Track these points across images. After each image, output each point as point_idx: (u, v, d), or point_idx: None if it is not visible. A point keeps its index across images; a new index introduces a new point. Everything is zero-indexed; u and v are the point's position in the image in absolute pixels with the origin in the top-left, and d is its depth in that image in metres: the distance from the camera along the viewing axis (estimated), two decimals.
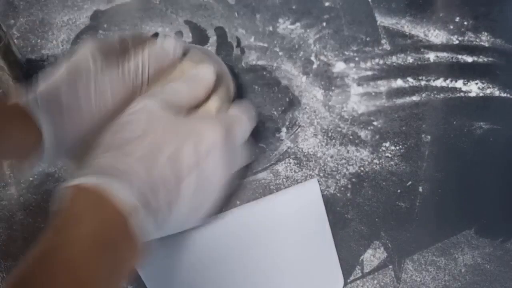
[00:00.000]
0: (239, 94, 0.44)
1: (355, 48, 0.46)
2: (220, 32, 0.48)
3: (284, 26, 0.48)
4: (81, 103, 0.32)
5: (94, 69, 0.32)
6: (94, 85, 0.32)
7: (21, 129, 0.30)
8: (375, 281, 0.36)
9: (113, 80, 0.33)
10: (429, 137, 0.42)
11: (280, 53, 0.46)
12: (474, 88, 0.44)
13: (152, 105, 0.31)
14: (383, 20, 0.48)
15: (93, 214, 0.26)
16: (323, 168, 0.41)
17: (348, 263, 0.37)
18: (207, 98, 0.35)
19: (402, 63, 0.46)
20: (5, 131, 0.30)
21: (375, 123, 0.43)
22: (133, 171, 0.28)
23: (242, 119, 0.33)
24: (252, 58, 0.46)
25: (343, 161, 0.41)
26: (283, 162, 0.42)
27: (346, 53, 0.46)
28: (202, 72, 0.34)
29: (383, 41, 0.47)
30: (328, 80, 0.45)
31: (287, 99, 0.45)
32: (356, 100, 0.44)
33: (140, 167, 0.28)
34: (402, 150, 0.41)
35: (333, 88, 0.45)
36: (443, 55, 0.46)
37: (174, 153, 0.29)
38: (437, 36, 0.47)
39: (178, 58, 0.36)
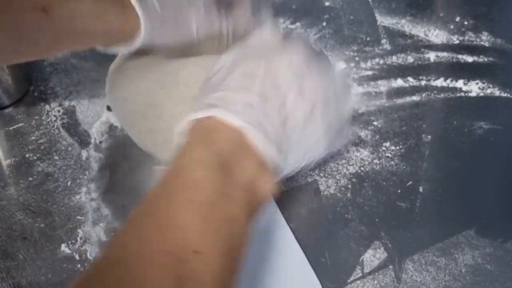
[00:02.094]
0: None
1: (355, 48, 0.46)
2: None
3: (285, 25, 0.48)
4: (175, 18, 0.34)
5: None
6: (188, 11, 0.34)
7: (120, 17, 0.32)
8: (375, 281, 0.36)
9: (203, 20, 0.35)
10: (429, 137, 0.42)
11: None
12: (474, 88, 0.44)
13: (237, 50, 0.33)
14: (383, 20, 0.48)
15: (209, 137, 0.27)
16: (323, 168, 0.41)
17: (348, 263, 0.37)
18: None
19: (402, 63, 0.46)
20: (106, 15, 0.31)
21: (375, 123, 0.43)
22: (232, 101, 0.28)
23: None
24: None
25: (343, 161, 0.41)
26: None
27: (346, 52, 0.46)
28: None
29: (383, 41, 0.47)
30: None
31: None
32: (356, 100, 0.44)
33: (241, 96, 0.29)
34: (402, 150, 0.41)
35: None
36: (444, 55, 0.46)
37: (268, 74, 0.29)
38: (437, 36, 0.47)
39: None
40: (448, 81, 0.45)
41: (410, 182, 0.40)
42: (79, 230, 0.39)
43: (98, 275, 0.22)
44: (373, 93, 0.44)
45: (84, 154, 0.43)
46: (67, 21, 0.30)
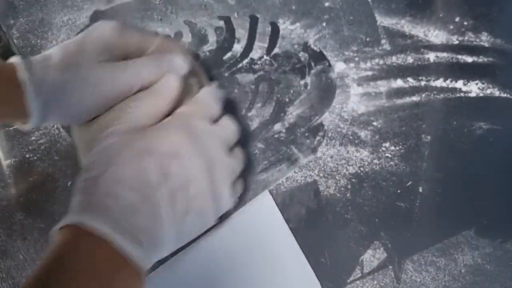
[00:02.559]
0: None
1: (355, 48, 0.46)
2: (220, 32, 0.48)
3: (284, 26, 0.48)
4: (72, 92, 0.31)
5: (94, 60, 0.32)
6: (87, 78, 0.32)
7: (8, 93, 0.30)
8: (375, 282, 0.36)
9: (107, 80, 0.32)
10: (429, 137, 0.42)
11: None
12: (474, 88, 0.44)
13: (113, 139, 0.31)
14: (383, 20, 0.48)
15: (77, 250, 0.26)
16: (323, 168, 0.41)
17: (348, 263, 0.37)
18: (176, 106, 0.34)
19: (402, 63, 0.46)
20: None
21: (375, 123, 0.43)
22: (102, 205, 0.28)
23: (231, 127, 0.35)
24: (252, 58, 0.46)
25: (343, 161, 0.41)
26: (283, 162, 0.42)
27: (346, 53, 0.46)
28: (165, 84, 0.34)
29: (383, 41, 0.47)
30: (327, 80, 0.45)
31: (287, 99, 0.44)
32: (356, 100, 0.44)
33: (107, 200, 0.28)
34: (402, 150, 0.41)
35: None
36: (443, 55, 0.46)
37: (134, 176, 0.29)
38: (437, 36, 0.47)
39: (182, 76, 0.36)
40: (448, 81, 0.45)
41: (410, 182, 0.40)
42: None
43: None
44: (373, 94, 0.44)
45: None
46: None
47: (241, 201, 0.39)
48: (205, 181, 0.31)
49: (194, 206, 0.30)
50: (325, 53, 0.46)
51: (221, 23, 0.48)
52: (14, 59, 0.31)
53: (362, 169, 0.41)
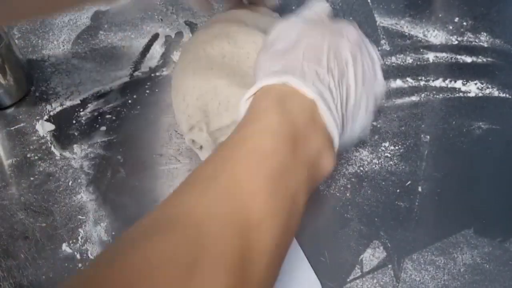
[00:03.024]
0: None
1: None
2: None
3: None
4: None
5: None
6: None
7: None
8: (375, 281, 0.37)
9: None
10: (428, 137, 0.42)
11: None
12: (473, 88, 0.44)
13: (295, 20, 0.33)
14: (383, 21, 0.48)
15: (283, 105, 0.26)
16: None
17: (348, 262, 0.37)
18: None
19: (402, 63, 0.46)
20: None
21: (374, 123, 0.43)
22: (303, 71, 0.28)
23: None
24: None
25: (343, 160, 0.41)
26: None
27: None
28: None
29: (382, 42, 0.47)
30: None
31: None
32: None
33: (313, 67, 0.29)
34: (401, 150, 0.42)
35: None
36: (442, 55, 0.46)
37: (332, 49, 0.30)
38: (436, 36, 0.47)
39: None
40: (447, 81, 0.45)
41: (409, 182, 0.40)
42: (80, 230, 0.39)
43: (154, 233, 0.21)
44: None
45: (85, 153, 0.43)
46: None
47: None
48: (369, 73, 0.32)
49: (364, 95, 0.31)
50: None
51: None
52: None
53: (361, 168, 0.41)
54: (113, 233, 0.38)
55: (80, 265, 0.37)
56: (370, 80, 0.31)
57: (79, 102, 0.45)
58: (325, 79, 0.28)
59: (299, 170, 0.25)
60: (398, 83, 0.45)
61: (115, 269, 0.19)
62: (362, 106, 0.31)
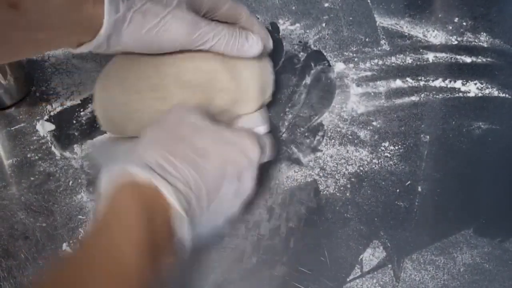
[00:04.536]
0: None
1: (354, 49, 0.47)
2: None
3: (284, 26, 0.48)
4: (152, 18, 0.32)
5: (176, 6, 0.33)
6: (166, 20, 0.33)
7: (90, 9, 0.30)
8: (374, 280, 0.37)
9: (183, 32, 0.33)
10: (428, 137, 0.42)
11: None
12: (472, 88, 0.45)
13: (196, 112, 0.33)
14: (382, 21, 0.48)
15: (145, 213, 0.27)
16: (323, 168, 0.41)
17: (348, 262, 0.37)
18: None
19: (401, 63, 0.46)
20: (77, 7, 0.30)
21: (374, 123, 0.43)
22: (181, 176, 0.29)
23: (271, 148, 0.36)
24: None
25: (343, 161, 0.41)
26: (283, 162, 0.42)
27: (346, 53, 0.46)
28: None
29: (382, 42, 0.47)
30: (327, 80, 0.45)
31: (287, 99, 0.45)
32: (356, 100, 0.44)
33: (188, 172, 0.29)
34: (401, 150, 0.42)
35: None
36: (442, 55, 0.46)
37: (217, 163, 0.31)
38: (436, 36, 0.47)
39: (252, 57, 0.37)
40: (447, 81, 0.45)
41: (409, 182, 0.40)
42: (80, 230, 0.39)
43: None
44: (372, 94, 0.44)
45: (85, 153, 0.43)
46: (39, 15, 0.29)
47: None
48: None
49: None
50: (324, 53, 0.47)
51: None
52: None
53: (361, 168, 0.41)
54: None
55: None
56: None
57: (79, 102, 0.45)
58: (198, 190, 0.30)
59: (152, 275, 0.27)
60: (397, 83, 0.45)
61: None
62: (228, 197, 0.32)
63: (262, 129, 0.38)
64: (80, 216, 0.39)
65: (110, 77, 0.39)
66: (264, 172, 0.41)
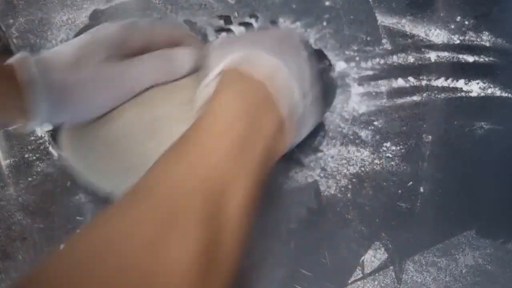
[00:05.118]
0: None
1: (355, 48, 0.46)
2: (220, 32, 0.48)
3: (285, 25, 0.48)
4: (75, 92, 0.31)
5: (103, 59, 0.32)
6: (92, 79, 0.31)
7: (11, 96, 0.29)
8: (376, 282, 0.36)
9: (110, 81, 0.32)
10: (430, 137, 0.42)
11: None
12: (475, 88, 0.44)
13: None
14: (384, 20, 0.48)
15: (236, 84, 0.28)
16: (323, 168, 0.41)
17: (349, 263, 0.37)
18: None
19: (403, 62, 0.45)
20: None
21: (375, 123, 0.43)
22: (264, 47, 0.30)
23: None
24: None
25: (344, 161, 0.41)
26: (284, 162, 0.41)
27: (347, 52, 0.46)
28: None
29: (383, 41, 0.47)
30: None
31: None
32: (357, 100, 0.44)
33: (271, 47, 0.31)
34: (402, 150, 0.41)
35: None
36: (444, 54, 0.46)
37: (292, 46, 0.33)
38: (438, 35, 0.47)
39: (185, 74, 0.37)
40: (449, 81, 0.45)
41: (411, 183, 0.40)
42: (78, 231, 0.38)
43: (125, 206, 0.22)
44: (374, 93, 0.44)
45: None
46: None
47: None
48: None
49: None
50: (325, 52, 0.46)
51: (221, 22, 0.48)
52: (20, 55, 0.30)
53: (362, 169, 0.41)
54: None
55: None
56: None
57: None
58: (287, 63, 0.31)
59: (256, 143, 0.27)
60: (399, 82, 0.44)
61: (96, 228, 0.21)
62: (313, 98, 0.34)
63: None
64: (78, 217, 0.39)
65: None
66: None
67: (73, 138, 0.37)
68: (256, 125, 0.27)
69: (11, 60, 0.30)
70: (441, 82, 0.44)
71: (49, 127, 0.44)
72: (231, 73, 0.29)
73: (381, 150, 0.41)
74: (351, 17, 0.48)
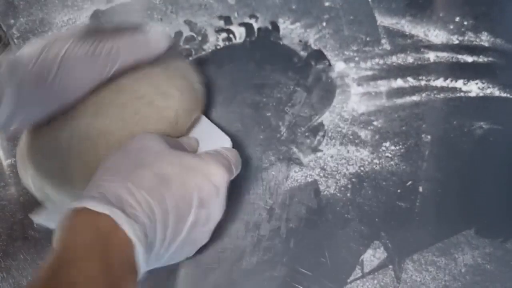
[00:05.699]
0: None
1: (355, 48, 0.46)
2: (220, 32, 0.48)
3: (284, 26, 0.48)
4: (46, 77, 0.30)
5: (65, 45, 0.31)
6: (61, 59, 0.30)
7: None
8: (375, 281, 0.36)
9: (82, 60, 0.31)
10: (429, 137, 0.42)
11: None
12: (474, 88, 0.44)
13: (159, 139, 0.31)
14: (383, 20, 0.48)
15: (101, 248, 0.25)
16: (323, 168, 0.41)
17: (348, 263, 0.37)
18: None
19: (402, 63, 0.46)
20: None
21: (375, 123, 0.43)
22: (143, 207, 0.27)
23: (238, 164, 0.35)
24: None
25: (343, 161, 0.41)
26: (283, 162, 0.42)
27: (346, 53, 0.46)
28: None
29: (383, 41, 0.47)
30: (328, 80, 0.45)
31: (287, 99, 0.44)
32: (356, 100, 0.44)
33: (151, 202, 0.28)
34: (402, 150, 0.41)
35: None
36: (443, 55, 0.46)
37: (182, 191, 0.29)
38: (437, 36, 0.47)
39: (161, 52, 0.35)
40: (448, 81, 0.45)
41: (410, 182, 0.40)
42: None
43: None
44: (373, 93, 0.44)
45: None
46: None
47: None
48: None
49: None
50: (325, 52, 0.46)
51: (221, 22, 0.48)
52: None
53: (362, 168, 0.41)
54: None
55: None
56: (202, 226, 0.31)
57: None
58: (161, 221, 0.28)
59: None
60: (399, 82, 0.45)
61: None
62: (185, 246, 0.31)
63: (226, 144, 0.37)
64: None
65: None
66: (264, 173, 0.41)
67: (34, 139, 0.36)
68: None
69: None
70: (440, 82, 0.45)
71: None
72: (99, 225, 0.26)
73: (380, 150, 0.41)
74: (351, 17, 0.48)
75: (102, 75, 0.32)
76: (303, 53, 0.47)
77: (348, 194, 0.40)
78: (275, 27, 0.48)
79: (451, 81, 0.45)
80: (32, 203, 0.40)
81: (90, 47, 0.31)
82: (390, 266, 0.37)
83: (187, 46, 0.48)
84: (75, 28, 0.33)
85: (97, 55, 0.31)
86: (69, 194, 0.34)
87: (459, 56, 0.46)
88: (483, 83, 0.44)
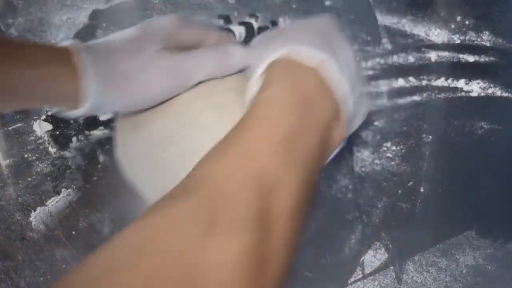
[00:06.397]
0: None
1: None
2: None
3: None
4: (133, 77, 0.31)
5: (158, 49, 0.31)
6: (150, 67, 0.31)
7: (66, 78, 0.29)
8: (376, 282, 0.36)
9: (166, 71, 0.32)
10: (430, 137, 0.42)
11: None
12: (475, 87, 0.44)
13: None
14: (384, 20, 0.48)
15: (287, 73, 0.27)
16: (323, 169, 0.41)
17: (349, 264, 0.37)
18: None
19: (403, 62, 0.45)
20: (50, 75, 0.28)
21: (376, 123, 0.43)
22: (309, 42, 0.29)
23: None
24: None
25: (343, 161, 0.41)
26: None
27: None
28: None
29: (384, 41, 0.46)
30: None
31: None
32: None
33: (314, 41, 0.29)
34: (403, 150, 0.41)
35: None
36: (445, 54, 0.46)
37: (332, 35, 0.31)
38: (438, 35, 0.47)
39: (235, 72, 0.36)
40: (449, 81, 0.44)
41: (411, 183, 0.40)
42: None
43: (163, 206, 0.21)
44: (374, 93, 0.44)
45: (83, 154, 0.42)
46: (15, 86, 0.27)
47: None
48: None
49: None
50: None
51: (221, 22, 0.48)
52: (73, 42, 0.30)
53: (363, 169, 0.41)
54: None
55: None
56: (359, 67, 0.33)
57: None
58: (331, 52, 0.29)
59: (310, 135, 0.26)
60: (400, 82, 0.44)
61: (132, 228, 0.20)
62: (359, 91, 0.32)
63: None
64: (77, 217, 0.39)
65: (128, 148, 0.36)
66: None
67: (126, 129, 0.36)
68: (310, 115, 0.26)
69: (65, 45, 0.30)
70: (441, 82, 0.44)
71: (49, 127, 0.44)
72: (281, 63, 0.28)
73: (381, 150, 0.41)
74: (351, 17, 0.48)
75: (181, 87, 0.33)
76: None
77: (349, 195, 0.40)
78: (276, 26, 0.48)
79: (453, 80, 0.44)
80: (30, 204, 0.40)
81: (177, 59, 0.32)
82: (391, 267, 0.37)
83: None
84: (162, 24, 0.33)
85: (181, 69, 0.32)
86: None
87: (461, 56, 0.46)
88: (484, 83, 0.44)
